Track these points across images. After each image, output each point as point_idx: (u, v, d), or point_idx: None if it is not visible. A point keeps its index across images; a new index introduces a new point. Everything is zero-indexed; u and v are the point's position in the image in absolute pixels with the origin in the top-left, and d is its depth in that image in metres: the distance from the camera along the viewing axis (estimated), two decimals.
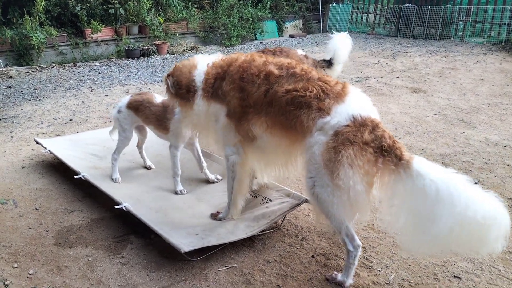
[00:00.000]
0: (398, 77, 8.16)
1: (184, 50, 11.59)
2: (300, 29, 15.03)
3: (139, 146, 4.36)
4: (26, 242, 3.31)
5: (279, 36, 14.22)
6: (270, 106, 2.86)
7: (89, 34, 10.86)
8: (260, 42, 12.94)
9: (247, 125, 3.01)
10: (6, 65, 9.61)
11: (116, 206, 3.36)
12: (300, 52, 4.80)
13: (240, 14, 12.90)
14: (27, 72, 9.22)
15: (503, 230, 2.22)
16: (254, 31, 13.51)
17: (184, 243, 2.92)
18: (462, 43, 11.67)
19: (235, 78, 3.02)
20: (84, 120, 6.13)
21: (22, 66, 9.77)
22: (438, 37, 12.40)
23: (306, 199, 3.44)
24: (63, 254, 3.17)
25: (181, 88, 3.28)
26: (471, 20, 12.02)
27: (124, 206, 3.34)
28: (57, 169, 4.50)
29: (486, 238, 2.25)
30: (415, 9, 12.85)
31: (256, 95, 2.92)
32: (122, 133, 4.08)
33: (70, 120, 6.13)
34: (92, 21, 10.79)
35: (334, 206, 2.60)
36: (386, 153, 2.53)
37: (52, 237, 3.39)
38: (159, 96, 4.00)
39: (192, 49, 11.79)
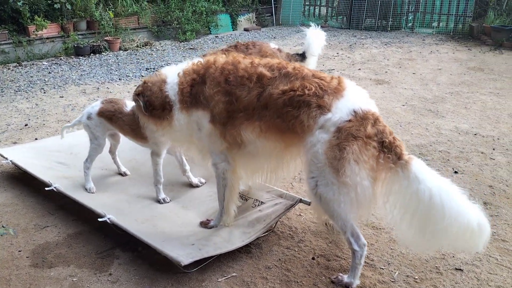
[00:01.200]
0: (359, 69, 8.26)
1: (137, 46, 11.11)
2: (253, 22, 14.88)
3: (112, 151, 4.06)
4: None
5: (233, 30, 14.01)
6: (264, 109, 2.75)
7: (33, 31, 10.11)
8: (216, 36, 12.68)
9: (236, 130, 2.87)
10: None
11: (99, 219, 3.09)
12: (272, 45, 4.68)
13: (194, 8, 12.56)
14: None
15: (488, 236, 2.39)
16: (208, 25, 13.21)
17: (182, 255, 2.73)
18: (413, 34, 12.04)
19: (219, 81, 2.86)
20: (41, 124, 5.68)
21: None
22: (389, 29, 12.72)
23: (300, 198, 3.35)
24: (42, 276, 2.88)
25: (156, 109, 3.08)
26: (420, 11, 12.42)
27: (108, 219, 3.09)
28: (20, 181, 4.11)
29: (475, 242, 2.39)
30: (366, 1, 13.09)
31: (247, 99, 2.78)
32: (94, 140, 3.80)
33: (26, 125, 5.65)
34: (36, 17, 10.05)
35: (341, 204, 2.54)
36: (386, 149, 2.52)
37: (27, 257, 3.07)
38: (129, 103, 3.74)
39: (146, 45, 11.34)
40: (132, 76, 8.14)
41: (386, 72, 7.99)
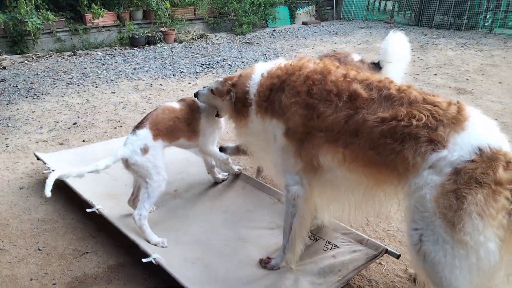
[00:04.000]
0: (435, 74, 7.40)
1: (192, 38, 10.72)
2: (313, 15, 14.13)
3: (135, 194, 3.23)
4: None
5: (291, 23, 13.33)
6: (353, 136, 2.24)
7: (90, 19, 9.95)
8: (273, 30, 12.07)
9: (313, 150, 2.40)
10: None
11: (143, 260, 2.61)
12: (356, 57, 3.99)
13: (251, 0, 12.00)
14: (22, 62, 8.35)
15: None
16: (266, 18, 12.61)
17: None
18: (491, 35, 10.88)
19: (300, 91, 2.42)
20: (90, 124, 5.33)
21: (17, 54, 8.88)
22: (464, 28, 11.58)
23: (387, 249, 2.72)
24: None
25: (238, 102, 2.75)
26: (502, 10, 11.19)
27: (154, 259, 2.60)
28: (62, 191, 3.71)
29: None
30: None
31: (332, 118, 2.30)
32: (155, 176, 2.92)
33: (74, 123, 5.32)
34: (93, 5, 9.87)
35: (455, 270, 1.95)
36: None
37: None
38: (172, 103, 3.26)
39: (201, 37, 10.93)
40: (186, 72, 7.71)
41: (467, 79, 7.08)
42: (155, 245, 2.86)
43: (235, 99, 2.75)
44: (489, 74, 7.39)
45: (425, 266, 2.06)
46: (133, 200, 3.21)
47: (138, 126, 3.04)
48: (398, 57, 4.41)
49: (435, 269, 2.01)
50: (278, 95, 2.54)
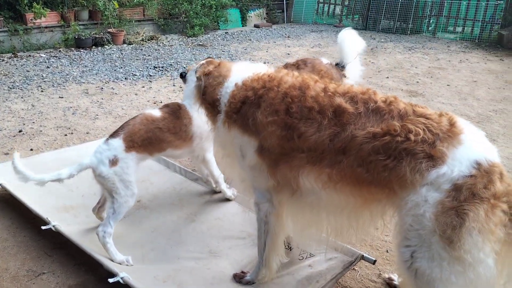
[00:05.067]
0: (387, 77, 7.60)
1: (142, 40, 10.37)
2: (264, 18, 14.18)
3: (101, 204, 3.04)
4: None
5: (243, 26, 13.30)
6: (339, 154, 2.10)
7: (31, 19, 9.35)
8: (225, 32, 11.95)
9: (291, 173, 2.26)
10: None
11: (110, 280, 2.40)
12: (325, 61, 3.97)
13: (203, 1, 11.82)
14: None
15: None
16: (218, 20, 12.48)
17: None
18: (435, 39, 11.39)
19: (278, 110, 2.24)
20: (38, 131, 4.96)
21: None
22: (409, 32, 12.05)
23: (363, 255, 2.70)
24: None
25: (207, 100, 2.57)
26: (444, 15, 11.75)
27: (122, 278, 2.40)
28: (12, 207, 3.41)
29: None
30: (385, 2, 12.40)
31: (315, 138, 2.14)
32: (124, 190, 2.70)
33: (20, 131, 4.93)
34: (34, 4, 9.28)
35: (452, 287, 1.89)
36: None
37: None
38: (153, 110, 3.04)
39: (152, 39, 10.60)
40: (139, 75, 7.41)
41: (417, 82, 7.32)
42: (119, 263, 2.66)
43: (204, 92, 2.56)
44: (437, 77, 7.70)
45: (417, 282, 2.00)
46: (98, 209, 2.99)
47: (113, 134, 2.81)
48: (355, 54, 4.45)
49: (430, 285, 1.95)
50: (252, 110, 2.33)
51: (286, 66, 3.79)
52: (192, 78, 2.80)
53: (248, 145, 2.36)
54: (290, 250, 2.87)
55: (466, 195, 1.84)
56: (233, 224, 3.17)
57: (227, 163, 2.76)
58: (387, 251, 3.07)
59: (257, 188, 2.45)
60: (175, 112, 2.97)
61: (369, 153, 2.00)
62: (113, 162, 2.67)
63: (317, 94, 2.19)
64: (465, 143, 1.93)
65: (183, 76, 3.08)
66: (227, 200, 3.45)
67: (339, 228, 2.36)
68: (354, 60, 4.37)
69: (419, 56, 9.27)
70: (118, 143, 2.72)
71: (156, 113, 2.94)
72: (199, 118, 2.93)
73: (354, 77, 4.40)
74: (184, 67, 7.96)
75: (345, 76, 4.09)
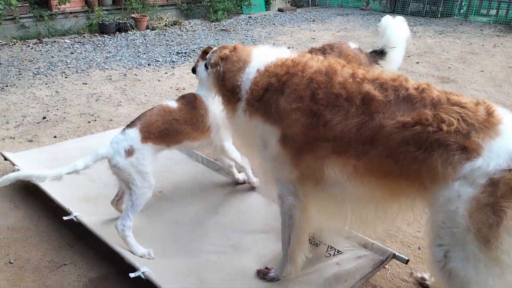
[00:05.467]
0: (417, 62, 7.31)
1: (166, 25, 10.29)
2: (288, 2, 13.88)
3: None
4: None
5: (266, 10, 13.05)
6: (367, 144, 1.98)
7: (56, 5, 9.36)
8: (249, 17, 11.75)
9: (316, 162, 2.14)
10: None
11: (131, 275, 2.34)
12: (352, 45, 3.78)
13: None
14: None
15: None
16: (241, 4, 12.27)
17: None
18: (467, 23, 10.92)
19: (303, 96, 2.12)
20: (61, 118, 4.95)
21: None
22: (439, 15, 11.58)
23: (395, 254, 2.56)
24: None
25: (226, 86, 2.43)
26: None
27: (143, 273, 2.34)
28: (35, 196, 3.39)
29: None
30: None
31: (341, 126, 2.02)
32: (141, 182, 2.62)
33: (44, 118, 4.93)
34: None
35: None
36: None
37: None
38: (170, 101, 2.94)
39: (175, 24, 10.51)
40: (162, 61, 7.34)
41: (449, 67, 7.01)
42: (141, 257, 2.59)
43: (223, 79, 2.43)
44: (470, 62, 7.36)
45: (450, 284, 1.88)
46: (117, 202, 2.93)
47: (130, 125, 2.74)
48: (401, 41, 4.24)
49: (464, 287, 1.83)
50: (275, 97, 2.22)
51: (311, 51, 3.62)
52: (202, 68, 2.74)
53: (270, 134, 2.25)
54: (317, 246, 2.75)
55: (503, 191, 1.69)
56: (256, 217, 3.07)
57: (247, 154, 2.66)
58: (419, 248, 2.91)
59: (280, 180, 2.34)
60: (191, 102, 2.89)
61: (398, 144, 1.88)
62: (129, 152, 2.59)
63: (345, 80, 2.06)
64: (503, 134, 1.78)
65: (194, 71, 3.00)
66: (250, 191, 3.35)
67: (364, 218, 2.26)
68: (398, 47, 4.16)
69: (450, 41, 8.90)
70: (134, 133, 2.64)
71: (173, 104, 2.86)
72: (215, 108, 2.83)
73: (396, 64, 4.20)
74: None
75: (377, 63, 3.90)
